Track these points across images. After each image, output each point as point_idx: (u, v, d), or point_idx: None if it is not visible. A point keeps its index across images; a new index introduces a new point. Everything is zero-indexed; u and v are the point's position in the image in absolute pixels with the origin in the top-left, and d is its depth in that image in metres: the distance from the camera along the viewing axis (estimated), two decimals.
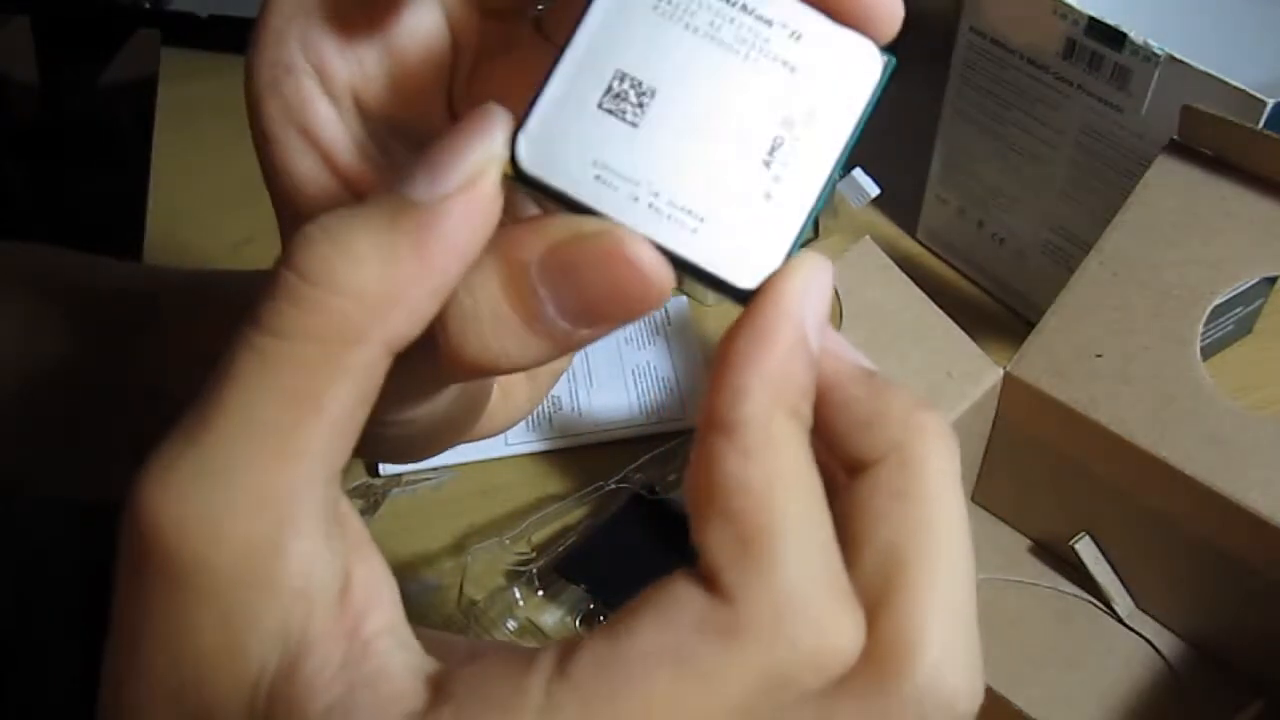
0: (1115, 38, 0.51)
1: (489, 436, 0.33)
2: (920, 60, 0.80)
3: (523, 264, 0.20)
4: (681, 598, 0.19)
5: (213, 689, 0.19)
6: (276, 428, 0.19)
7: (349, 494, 0.55)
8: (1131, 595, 0.49)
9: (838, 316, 0.47)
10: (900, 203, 0.69)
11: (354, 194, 0.26)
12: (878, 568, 0.20)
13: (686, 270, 0.21)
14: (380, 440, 0.29)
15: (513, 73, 0.27)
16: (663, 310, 0.63)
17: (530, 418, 0.58)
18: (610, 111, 0.21)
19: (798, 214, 0.21)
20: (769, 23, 0.21)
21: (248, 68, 0.25)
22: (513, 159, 0.20)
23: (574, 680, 0.18)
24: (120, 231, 0.73)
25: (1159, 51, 0.50)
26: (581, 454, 0.57)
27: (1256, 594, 0.44)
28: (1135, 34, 0.51)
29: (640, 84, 0.21)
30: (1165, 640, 0.49)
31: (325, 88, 0.25)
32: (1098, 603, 0.50)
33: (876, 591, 0.19)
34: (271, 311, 0.19)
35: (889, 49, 0.21)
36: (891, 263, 0.49)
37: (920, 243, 0.69)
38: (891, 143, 0.71)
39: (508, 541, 0.51)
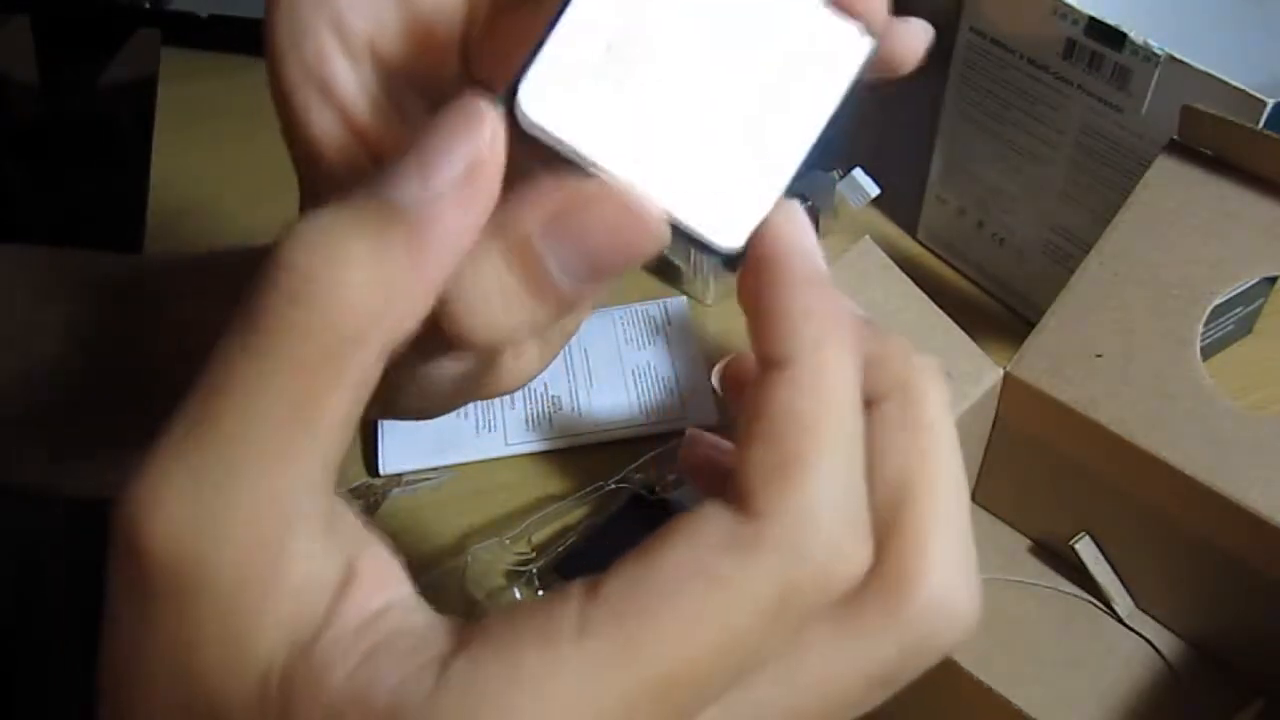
0: (1115, 38, 0.51)
1: (502, 394, 0.33)
2: None
3: (525, 236, 0.21)
4: (711, 519, 0.19)
5: (222, 694, 0.19)
6: (277, 431, 0.19)
7: (349, 494, 0.55)
8: (1131, 595, 0.49)
9: None
10: (900, 203, 0.69)
11: (370, 150, 0.26)
12: (888, 495, 0.21)
13: (671, 228, 0.21)
14: (394, 400, 0.30)
15: (526, 28, 0.27)
16: (662, 310, 0.63)
17: (530, 418, 0.58)
18: (606, 68, 0.21)
19: (779, 179, 0.21)
20: None
21: (268, 28, 0.25)
22: (509, 110, 0.21)
23: (608, 602, 0.19)
24: (120, 231, 0.73)
25: (1159, 51, 0.50)
26: (581, 454, 0.57)
27: (1256, 594, 0.44)
28: (1135, 34, 0.51)
29: (636, 43, 0.21)
30: (1165, 640, 0.49)
31: (343, 45, 0.25)
32: (1098, 603, 0.50)
33: (888, 516, 0.21)
34: (265, 310, 0.19)
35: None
36: (891, 263, 0.49)
37: (920, 243, 0.69)
38: (891, 143, 0.71)
39: (508, 541, 0.51)
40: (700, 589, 0.18)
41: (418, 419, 0.33)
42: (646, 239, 0.21)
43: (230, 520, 0.18)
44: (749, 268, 0.21)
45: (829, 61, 0.22)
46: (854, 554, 0.19)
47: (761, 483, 0.19)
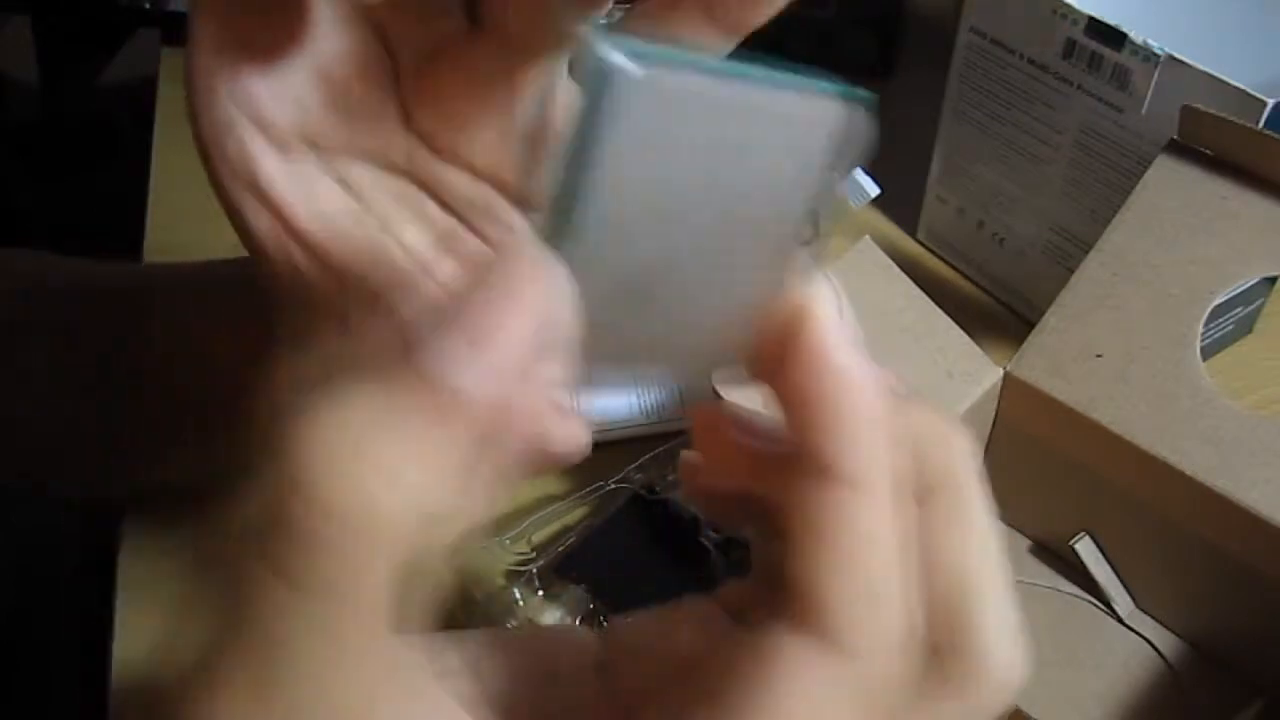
0: (1115, 38, 0.51)
1: None
2: (920, 60, 0.79)
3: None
4: (797, 657, 0.19)
5: None
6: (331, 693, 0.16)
7: None
8: (1131, 595, 0.49)
9: None
10: (900, 203, 0.69)
11: (314, 254, 0.25)
12: (948, 588, 0.21)
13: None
14: None
15: (455, 70, 0.26)
16: None
17: None
18: (627, 308, 0.19)
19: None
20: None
21: (192, 130, 0.24)
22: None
23: None
24: (120, 231, 0.73)
25: (1159, 51, 0.50)
26: None
27: (1257, 594, 0.44)
28: (1135, 34, 0.50)
29: (653, 267, 0.19)
30: (1165, 640, 0.49)
31: (268, 138, 0.24)
32: (1098, 603, 0.50)
33: (949, 609, 0.21)
34: (288, 556, 0.15)
35: (854, 85, 0.20)
36: (891, 263, 0.49)
37: (920, 243, 0.69)
38: (891, 143, 0.71)
39: (508, 541, 0.51)
40: None
41: None
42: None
43: None
44: (782, 353, 0.20)
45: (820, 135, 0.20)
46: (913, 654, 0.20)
47: (849, 610, 0.19)
